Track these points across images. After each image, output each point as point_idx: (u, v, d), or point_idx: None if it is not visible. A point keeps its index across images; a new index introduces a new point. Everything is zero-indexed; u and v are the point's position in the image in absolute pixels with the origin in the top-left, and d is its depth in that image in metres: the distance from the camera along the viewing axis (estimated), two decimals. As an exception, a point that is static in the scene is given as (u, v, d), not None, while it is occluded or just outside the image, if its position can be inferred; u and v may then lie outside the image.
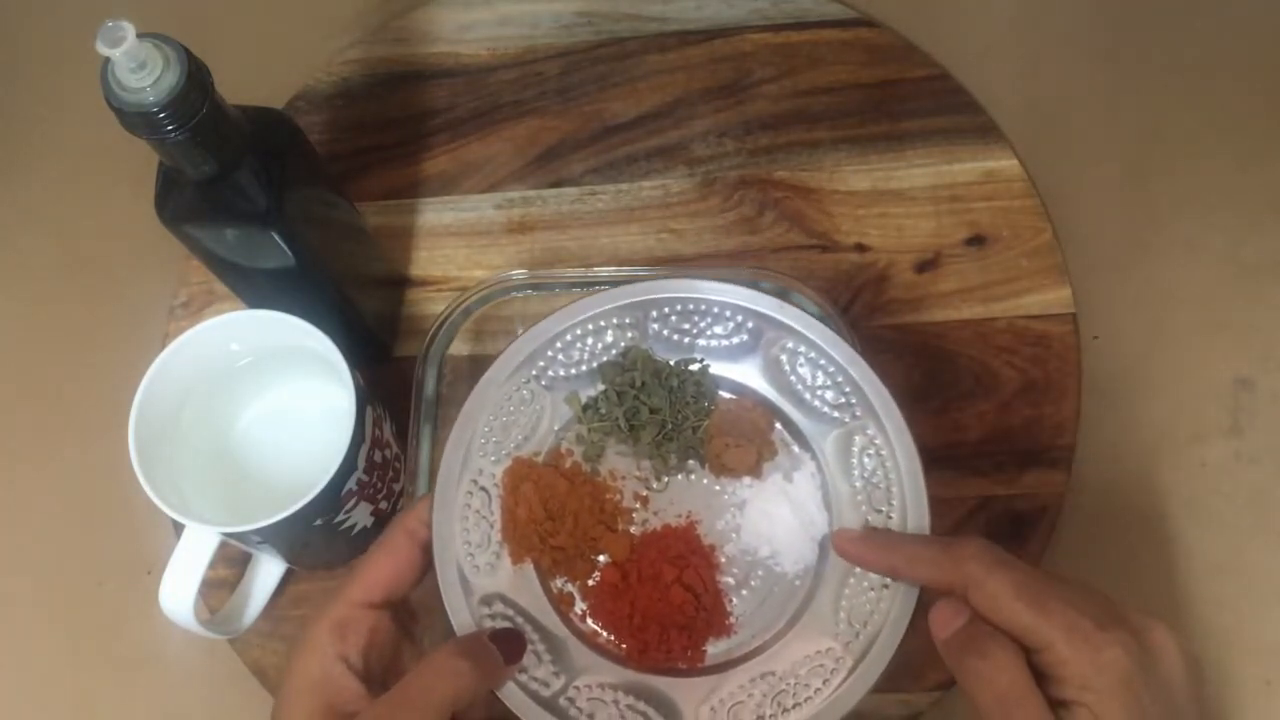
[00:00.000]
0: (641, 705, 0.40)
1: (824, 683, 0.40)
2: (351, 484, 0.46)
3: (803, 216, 0.59)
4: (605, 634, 0.42)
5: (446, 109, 0.63)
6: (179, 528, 0.45)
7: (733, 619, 0.42)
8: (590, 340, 0.44)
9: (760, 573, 0.43)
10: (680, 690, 0.41)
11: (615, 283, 0.50)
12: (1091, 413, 0.55)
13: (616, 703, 0.40)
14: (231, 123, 0.41)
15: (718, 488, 0.44)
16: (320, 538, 0.48)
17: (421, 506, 0.40)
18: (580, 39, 0.64)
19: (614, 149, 0.61)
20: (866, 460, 0.43)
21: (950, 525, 0.52)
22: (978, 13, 0.65)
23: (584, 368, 0.44)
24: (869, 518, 0.42)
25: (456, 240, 0.60)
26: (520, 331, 0.44)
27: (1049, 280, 0.57)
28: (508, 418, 0.43)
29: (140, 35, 0.37)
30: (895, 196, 0.59)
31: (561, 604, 0.42)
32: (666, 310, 0.44)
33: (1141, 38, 0.63)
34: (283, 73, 0.65)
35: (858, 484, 0.43)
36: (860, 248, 0.58)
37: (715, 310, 0.44)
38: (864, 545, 0.41)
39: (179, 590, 0.45)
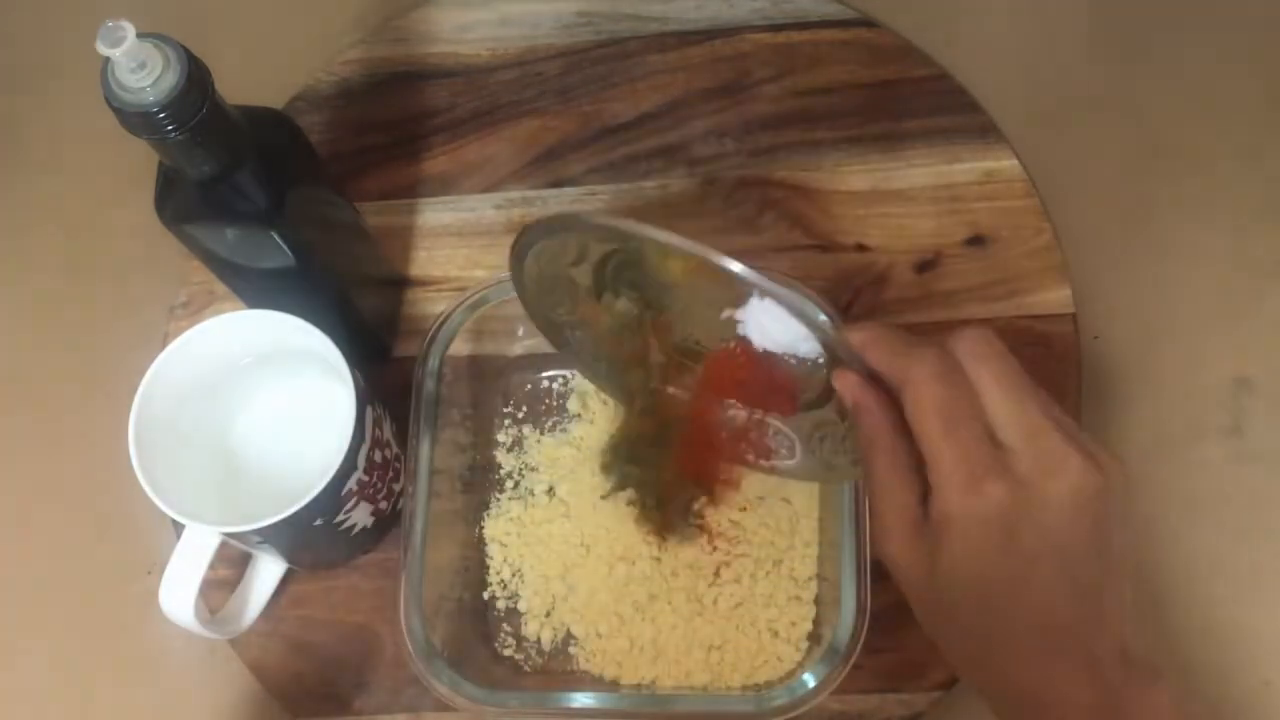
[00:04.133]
0: None
1: None
2: (351, 484, 0.46)
3: (803, 216, 0.59)
4: None
5: (446, 109, 0.63)
6: (179, 528, 0.45)
7: None
8: None
9: None
10: None
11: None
12: (1091, 413, 0.55)
13: None
14: (231, 123, 0.41)
15: None
16: (320, 538, 0.48)
17: None
18: (580, 39, 0.64)
19: (614, 149, 0.61)
20: None
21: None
22: (978, 13, 0.65)
23: None
24: None
25: (456, 240, 0.60)
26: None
27: (1049, 280, 0.57)
28: None
29: (140, 35, 0.37)
30: (895, 196, 0.59)
31: None
32: None
33: (1141, 38, 0.63)
34: (283, 73, 0.65)
35: None
36: (860, 248, 0.58)
37: None
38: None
39: (179, 590, 0.45)
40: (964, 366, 0.35)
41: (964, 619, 0.35)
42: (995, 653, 0.35)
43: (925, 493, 0.35)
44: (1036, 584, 0.34)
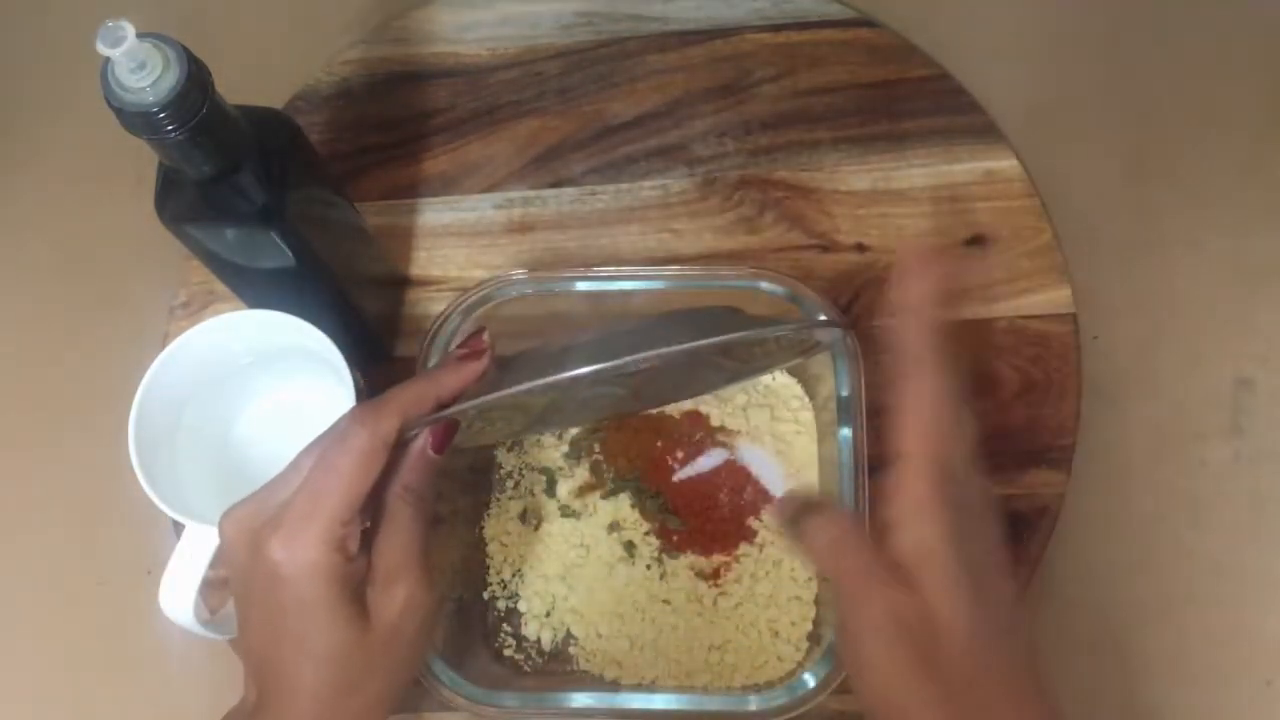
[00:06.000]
0: None
1: None
2: (351, 484, 0.46)
3: (803, 216, 0.59)
4: None
5: (446, 109, 0.63)
6: (179, 528, 0.45)
7: None
8: None
9: None
10: None
11: (614, 280, 0.50)
12: (1091, 413, 0.55)
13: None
14: (231, 123, 0.41)
15: None
16: (320, 538, 0.48)
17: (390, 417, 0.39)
18: (580, 39, 0.64)
19: (614, 149, 0.61)
20: None
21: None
22: (978, 13, 0.65)
23: None
24: None
25: (456, 240, 0.60)
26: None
27: (1049, 280, 0.57)
28: None
29: (140, 35, 0.37)
30: (895, 196, 0.59)
31: None
32: None
33: (1142, 37, 0.63)
34: (283, 73, 0.65)
35: None
36: (860, 248, 0.58)
37: None
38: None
39: (179, 590, 0.45)
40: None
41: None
42: None
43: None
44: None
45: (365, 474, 0.38)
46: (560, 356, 0.39)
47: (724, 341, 0.38)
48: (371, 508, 0.39)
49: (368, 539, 0.39)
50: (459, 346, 0.43)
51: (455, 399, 0.41)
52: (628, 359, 0.37)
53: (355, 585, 0.38)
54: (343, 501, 0.37)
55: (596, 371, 0.37)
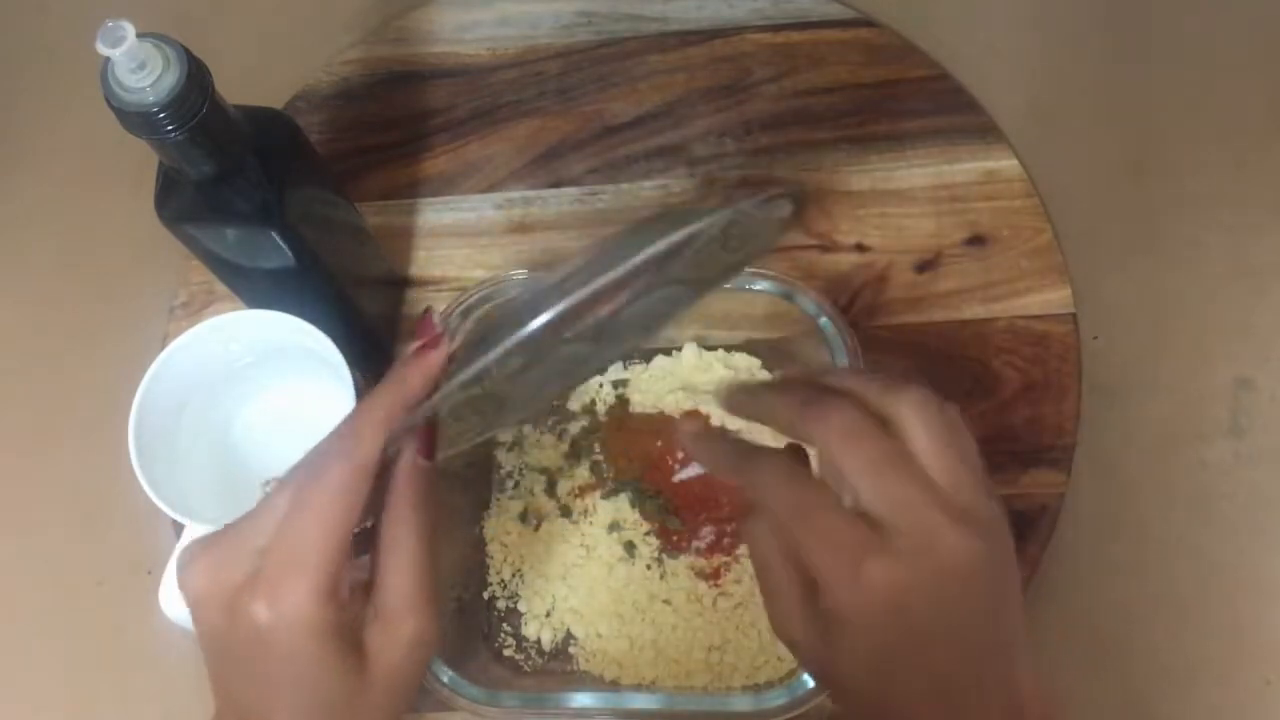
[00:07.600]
0: None
1: None
2: (351, 484, 0.46)
3: (802, 216, 0.59)
4: None
5: (446, 109, 0.63)
6: (179, 528, 0.45)
7: None
8: None
9: None
10: None
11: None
12: (1091, 413, 0.55)
13: None
14: (231, 123, 0.41)
15: None
16: (320, 538, 0.48)
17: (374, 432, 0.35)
18: (580, 39, 0.64)
19: (614, 149, 0.61)
20: None
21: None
22: (978, 13, 0.65)
23: None
24: None
25: (456, 240, 0.60)
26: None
27: (1049, 280, 0.57)
28: None
29: (140, 35, 0.37)
30: (895, 196, 0.59)
31: None
32: None
33: (1141, 38, 0.63)
34: (283, 73, 0.65)
35: None
36: (860, 248, 0.58)
37: None
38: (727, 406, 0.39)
39: (179, 590, 0.45)
40: (828, 452, 0.34)
41: (868, 698, 0.34)
42: None
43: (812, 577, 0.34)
44: (931, 657, 0.33)
45: (349, 511, 0.33)
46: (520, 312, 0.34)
47: (657, 253, 0.32)
48: (365, 541, 0.35)
49: (361, 572, 0.35)
50: (416, 338, 0.37)
51: (427, 394, 0.36)
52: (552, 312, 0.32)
53: (352, 632, 0.34)
54: (328, 546, 0.33)
55: (530, 334, 0.32)
